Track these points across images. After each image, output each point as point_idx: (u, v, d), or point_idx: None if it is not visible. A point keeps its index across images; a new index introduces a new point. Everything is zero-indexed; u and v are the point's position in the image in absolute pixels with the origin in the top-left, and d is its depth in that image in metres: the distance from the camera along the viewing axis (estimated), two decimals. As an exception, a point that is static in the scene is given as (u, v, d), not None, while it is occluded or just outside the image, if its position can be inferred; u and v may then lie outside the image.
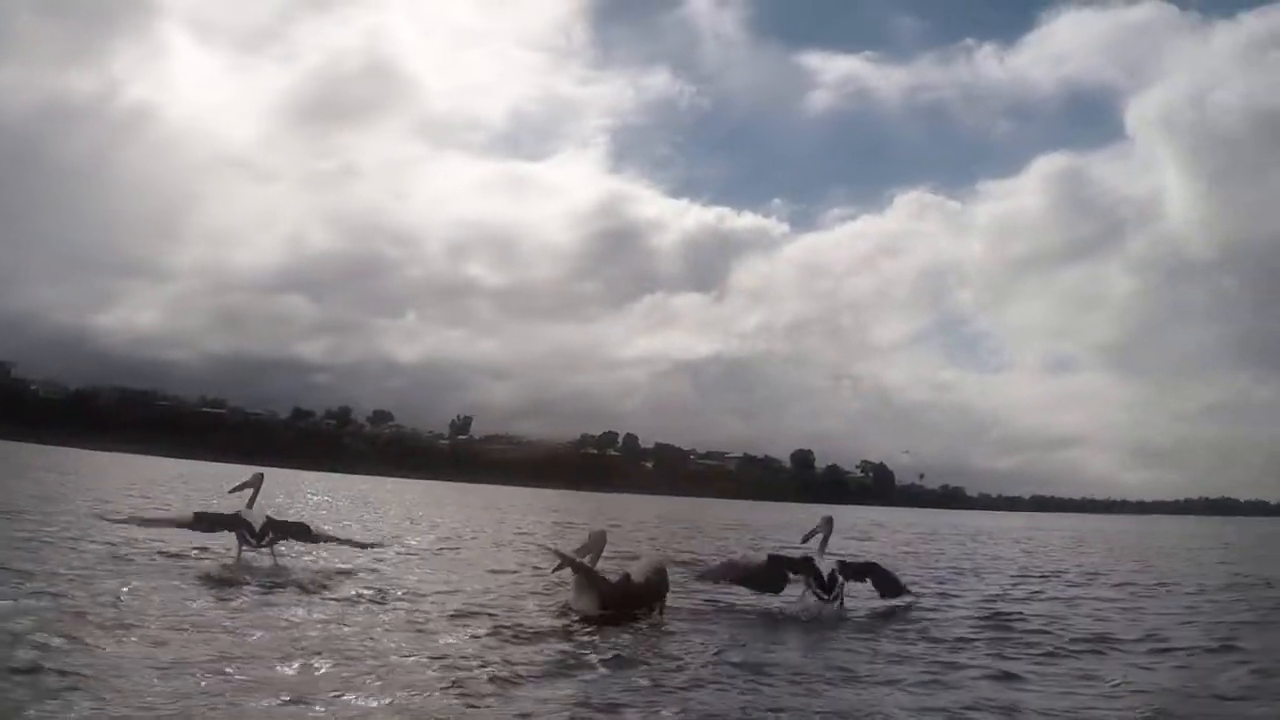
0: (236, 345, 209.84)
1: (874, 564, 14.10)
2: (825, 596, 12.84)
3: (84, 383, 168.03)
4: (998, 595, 16.16)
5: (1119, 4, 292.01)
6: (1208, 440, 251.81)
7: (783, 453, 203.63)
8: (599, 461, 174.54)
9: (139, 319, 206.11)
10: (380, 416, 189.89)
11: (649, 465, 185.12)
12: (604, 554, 12.22)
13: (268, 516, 14.82)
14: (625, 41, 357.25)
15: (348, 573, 13.98)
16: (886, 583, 13.66)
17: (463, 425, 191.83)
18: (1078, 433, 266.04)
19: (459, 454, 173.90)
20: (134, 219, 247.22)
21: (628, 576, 11.91)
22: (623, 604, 11.47)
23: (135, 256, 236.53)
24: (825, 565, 13.16)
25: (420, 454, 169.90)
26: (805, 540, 13.96)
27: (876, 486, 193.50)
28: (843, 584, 13.03)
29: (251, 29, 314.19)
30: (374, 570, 14.71)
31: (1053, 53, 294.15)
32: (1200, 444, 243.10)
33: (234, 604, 10.56)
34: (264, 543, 14.41)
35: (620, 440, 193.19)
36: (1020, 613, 13.46)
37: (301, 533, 15.27)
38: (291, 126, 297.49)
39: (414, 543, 20.92)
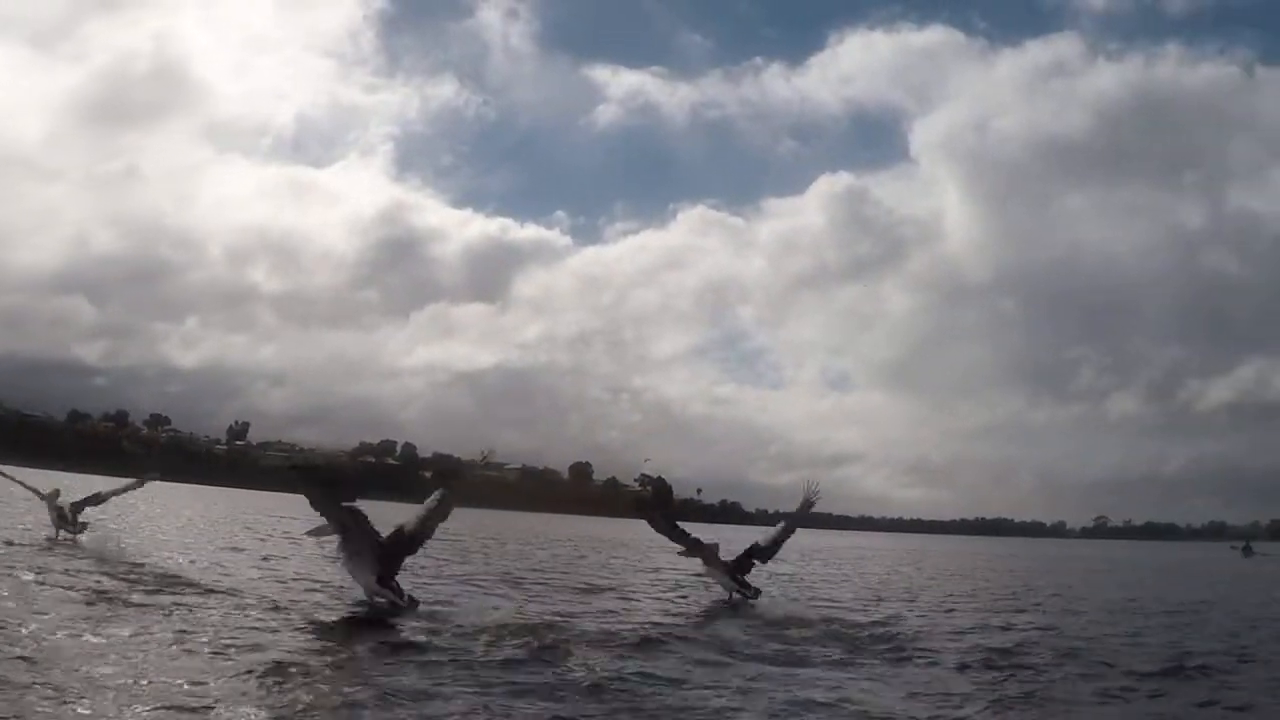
0: (12, 346, 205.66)
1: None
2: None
3: None
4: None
5: (907, 27, 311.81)
6: (981, 460, 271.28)
7: (562, 464, 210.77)
8: (376, 470, 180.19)
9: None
10: (157, 420, 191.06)
11: (427, 475, 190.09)
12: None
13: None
14: (413, 50, 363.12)
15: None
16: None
17: (240, 431, 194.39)
18: (854, 450, 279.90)
19: (235, 460, 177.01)
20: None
21: (401, 528, 14.01)
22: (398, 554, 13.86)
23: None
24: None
25: (197, 459, 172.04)
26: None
27: (654, 500, 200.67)
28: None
29: (36, 26, 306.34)
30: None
31: (840, 73, 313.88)
32: (974, 463, 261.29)
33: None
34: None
35: (399, 449, 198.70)
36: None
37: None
38: (77, 126, 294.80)
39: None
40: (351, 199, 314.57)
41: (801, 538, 24.10)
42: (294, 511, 46.97)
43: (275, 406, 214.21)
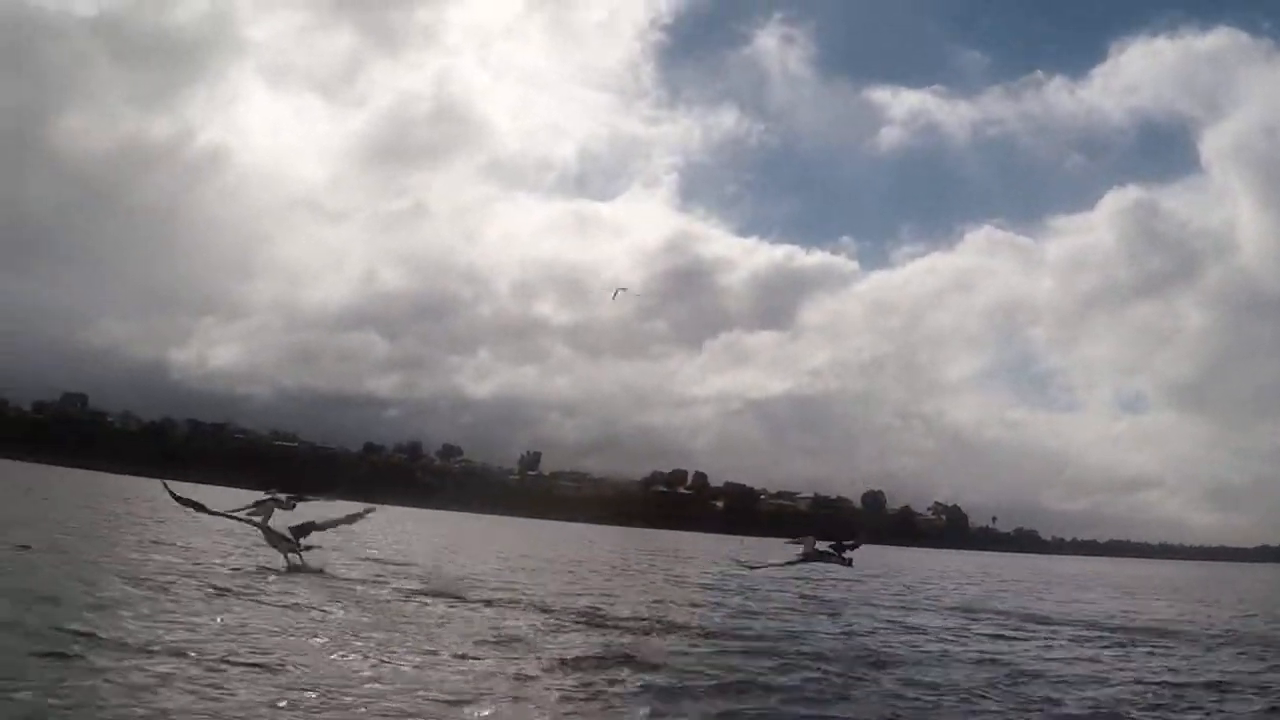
0: (308, 381, 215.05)
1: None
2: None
3: (159, 415, 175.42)
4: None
5: (1190, 32, 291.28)
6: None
7: (854, 493, 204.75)
8: (668, 500, 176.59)
9: (213, 354, 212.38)
10: (450, 450, 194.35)
11: (719, 505, 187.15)
12: None
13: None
14: (693, 81, 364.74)
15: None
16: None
17: (532, 461, 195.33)
18: (1151, 473, 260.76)
19: (528, 489, 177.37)
20: (209, 258, 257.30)
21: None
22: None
23: (210, 294, 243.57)
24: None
25: (490, 489, 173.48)
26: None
27: (950, 529, 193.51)
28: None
29: (324, 73, 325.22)
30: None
31: (1124, 83, 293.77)
32: (1276, 485, 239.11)
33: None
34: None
35: (690, 478, 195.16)
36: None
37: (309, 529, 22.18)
38: (362, 168, 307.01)
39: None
40: (636, 230, 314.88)
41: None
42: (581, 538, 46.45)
43: (567, 436, 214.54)
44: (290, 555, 21.51)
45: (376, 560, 22.93)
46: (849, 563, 24.97)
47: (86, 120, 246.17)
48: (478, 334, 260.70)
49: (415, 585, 21.35)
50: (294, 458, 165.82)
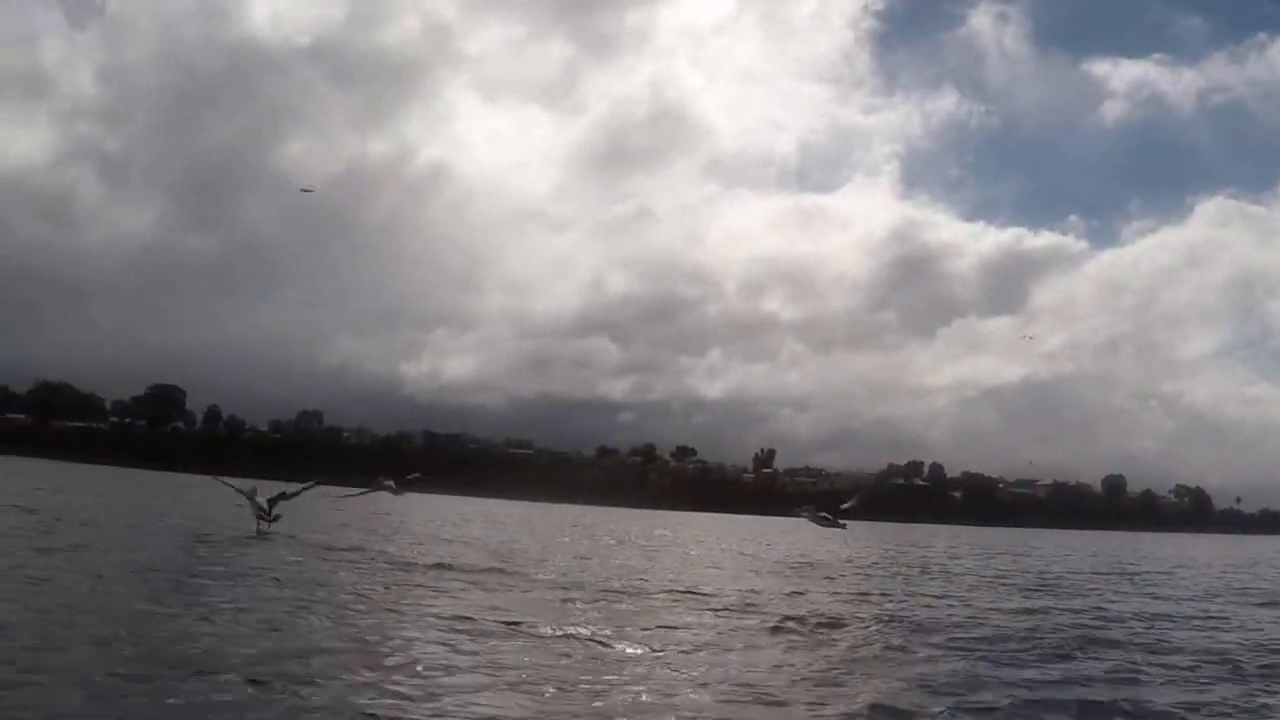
0: (541, 388, 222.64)
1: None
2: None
3: (394, 429, 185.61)
4: None
5: None
6: None
7: (1094, 478, 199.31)
8: (905, 492, 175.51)
9: (446, 366, 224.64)
10: (683, 452, 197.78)
11: (957, 495, 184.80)
12: None
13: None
14: (908, 66, 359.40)
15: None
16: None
17: (766, 459, 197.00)
18: None
19: (762, 488, 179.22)
20: (436, 273, 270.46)
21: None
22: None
23: (440, 307, 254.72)
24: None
25: (724, 489, 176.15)
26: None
27: (1193, 512, 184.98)
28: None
29: (539, 83, 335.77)
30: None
31: None
32: None
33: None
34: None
35: (926, 470, 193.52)
36: None
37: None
38: (584, 175, 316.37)
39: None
40: (860, 221, 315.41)
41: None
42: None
43: (800, 432, 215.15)
44: (261, 524, 27.73)
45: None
46: (844, 526, 32.98)
47: (309, 145, 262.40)
48: (707, 334, 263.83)
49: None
50: (528, 464, 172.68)
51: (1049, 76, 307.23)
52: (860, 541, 50.66)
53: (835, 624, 16.42)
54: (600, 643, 13.23)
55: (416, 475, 32.23)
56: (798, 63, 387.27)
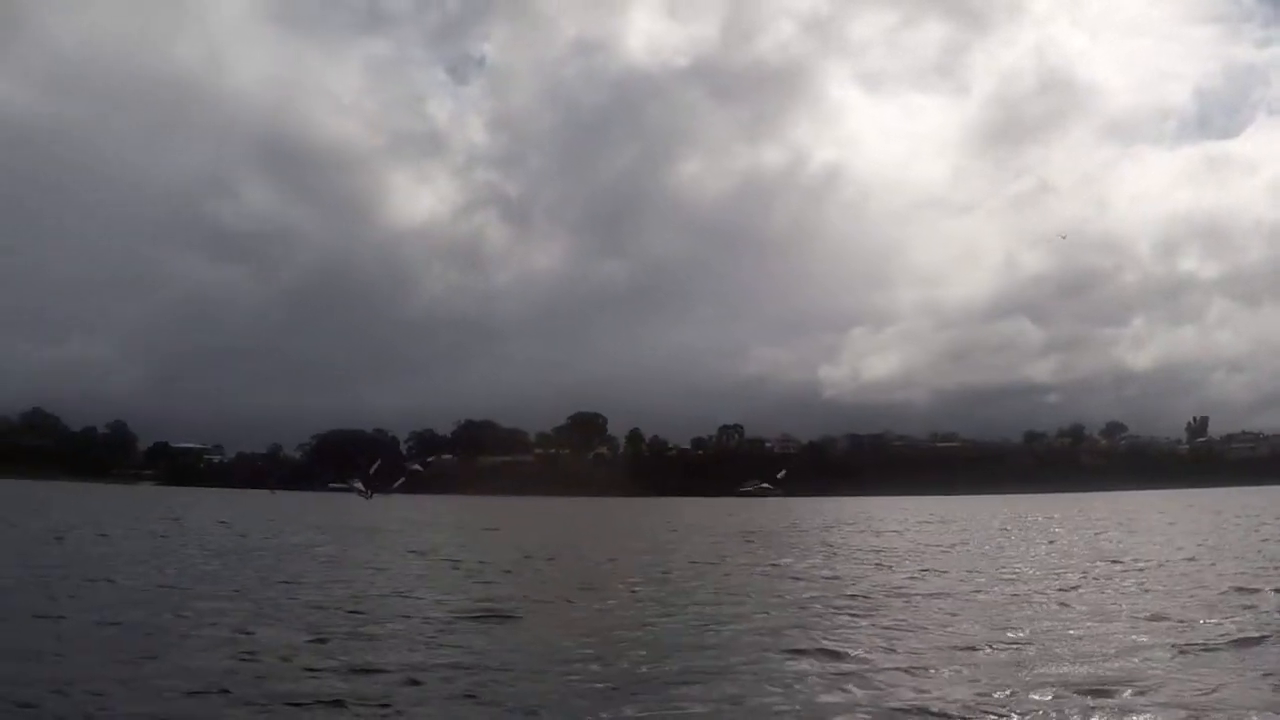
0: (961, 378, 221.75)
1: None
2: None
3: (816, 435, 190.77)
4: None
5: None
6: None
7: None
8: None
9: (864, 366, 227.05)
10: (1114, 428, 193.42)
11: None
12: None
13: None
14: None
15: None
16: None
17: (1199, 427, 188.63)
18: None
19: (1199, 458, 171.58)
20: (844, 274, 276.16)
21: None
22: None
23: (852, 308, 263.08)
24: None
25: (1157, 462, 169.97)
26: None
27: None
28: None
29: (920, 69, 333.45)
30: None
31: None
32: None
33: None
34: None
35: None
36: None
37: None
38: (978, 155, 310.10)
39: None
40: (1270, 162, 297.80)
41: None
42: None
43: (1235, 395, 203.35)
44: None
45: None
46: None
47: (702, 164, 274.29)
48: (1127, 302, 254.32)
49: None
50: (955, 458, 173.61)
51: None
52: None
53: None
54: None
55: (402, 480, 34.39)
56: (1180, 6, 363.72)
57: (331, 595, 19.71)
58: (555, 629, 15.80)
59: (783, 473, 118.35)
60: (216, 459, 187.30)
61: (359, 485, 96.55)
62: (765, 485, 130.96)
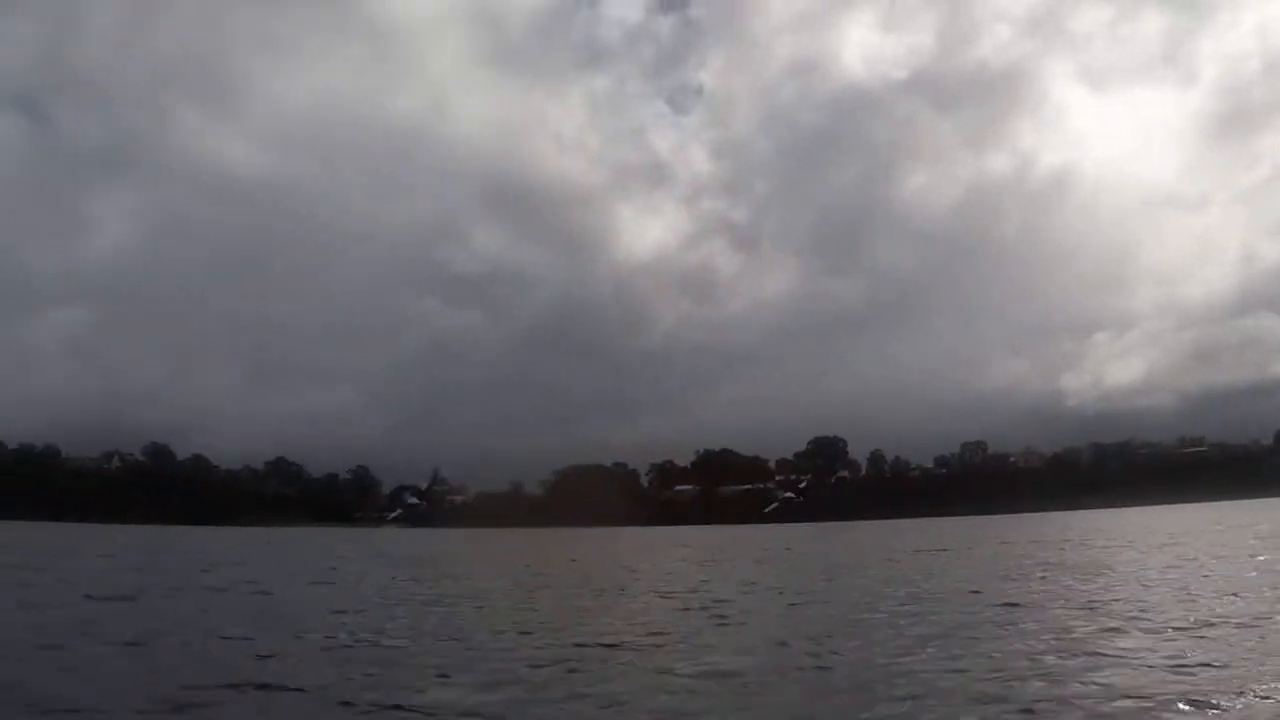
0: (1207, 378, 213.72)
1: None
2: None
3: (1060, 446, 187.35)
4: None
5: None
6: None
7: None
8: None
9: (1107, 372, 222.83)
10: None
11: None
12: None
13: None
14: None
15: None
16: None
17: None
18: None
19: None
20: (1079, 278, 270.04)
21: None
22: None
23: (1090, 313, 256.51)
24: None
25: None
26: None
27: None
28: None
29: (1140, 63, 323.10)
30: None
31: None
32: None
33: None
34: None
35: None
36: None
37: None
38: (1209, 146, 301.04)
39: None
40: None
41: None
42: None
43: None
44: None
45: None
46: None
47: (927, 176, 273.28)
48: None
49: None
50: (1203, 463, 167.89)
51: None
52: None
53: None
54: None
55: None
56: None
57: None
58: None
59: None
60: (459, 499, 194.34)
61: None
62: None
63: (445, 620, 20.13)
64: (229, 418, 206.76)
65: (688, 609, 22.09)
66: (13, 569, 33.83)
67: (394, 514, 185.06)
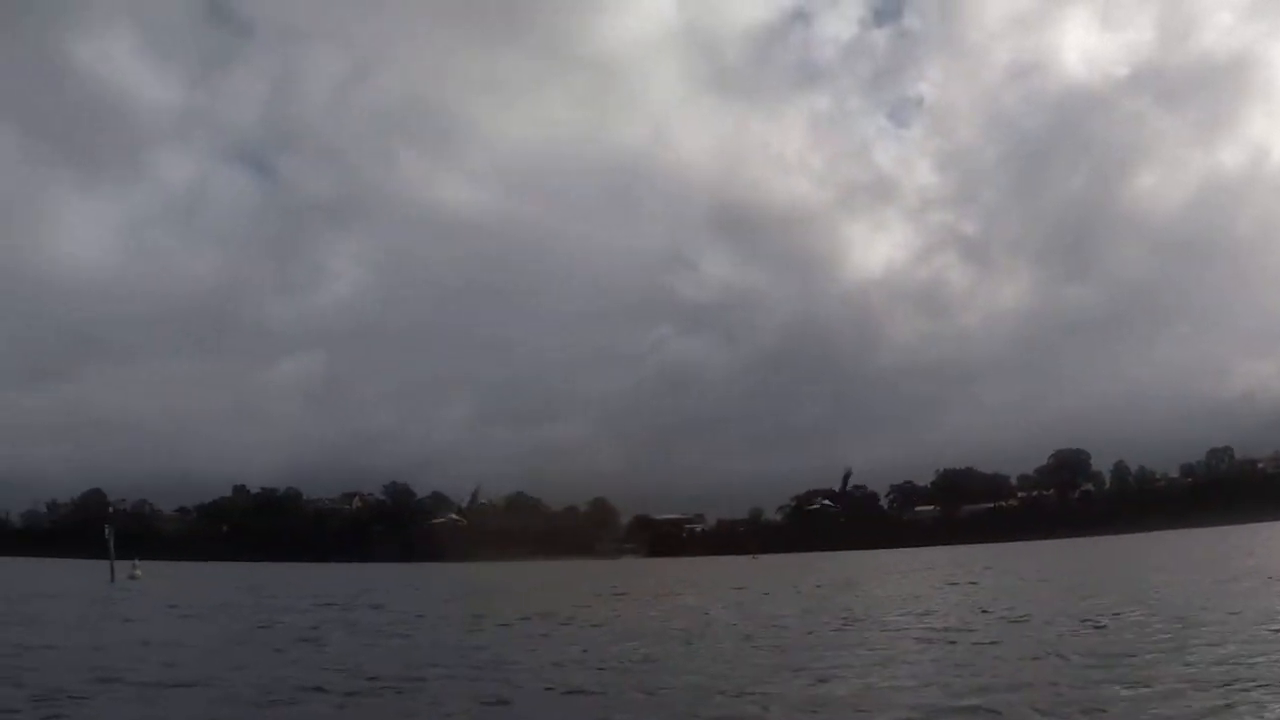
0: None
1: None
2: None
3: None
4: None
5: None
6: None
7: None
8: None
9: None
10: None
11: None
12: None
13: None
14: None
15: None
16: None
17: None
18: None
19: None
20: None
21: None
22: None
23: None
24: None
25: None
26: None
27: None
28: None
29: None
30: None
31: None
32: None
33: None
34: None
35: None
36: None
37: None
38: None
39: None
40: None
41: None
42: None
43: None
44: None
45: None
46: None
47: (1157, 174, 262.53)
48: None
49: None
50: None
51: None
52: None
53: None
54: None
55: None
56: None
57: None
58: None
59: None
60: (698, 528, 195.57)
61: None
62: None
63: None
64: (464, 454, 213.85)
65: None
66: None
67: (630, 545, 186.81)
